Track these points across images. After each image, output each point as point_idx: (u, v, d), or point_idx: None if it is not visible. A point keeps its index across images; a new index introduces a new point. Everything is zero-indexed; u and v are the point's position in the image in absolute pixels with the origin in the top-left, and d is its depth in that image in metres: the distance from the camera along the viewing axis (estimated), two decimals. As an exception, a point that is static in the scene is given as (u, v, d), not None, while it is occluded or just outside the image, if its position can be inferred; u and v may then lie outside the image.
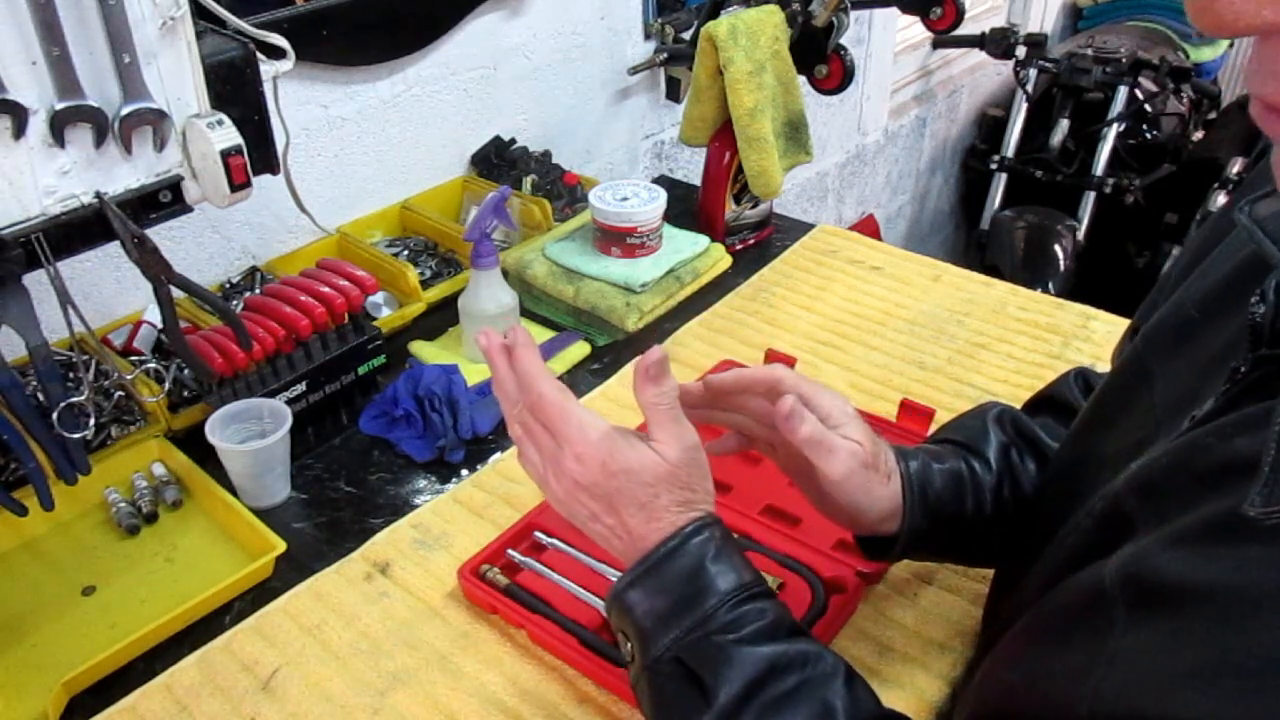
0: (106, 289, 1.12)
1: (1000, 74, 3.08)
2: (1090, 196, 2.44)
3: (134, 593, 0.86)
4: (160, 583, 0.87)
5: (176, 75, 0.75)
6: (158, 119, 0.74)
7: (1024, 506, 0.73)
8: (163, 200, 0.78)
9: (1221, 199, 2.48)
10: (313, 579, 0.86)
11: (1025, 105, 2.51)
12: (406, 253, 1.31)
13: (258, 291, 1.15)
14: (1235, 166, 2.51)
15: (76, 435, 0.77)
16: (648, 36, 1.66)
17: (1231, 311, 0.53)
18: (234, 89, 0.80)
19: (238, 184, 0.79)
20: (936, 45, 2.67)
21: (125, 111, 0.72)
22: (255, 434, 0.94)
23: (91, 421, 0.81)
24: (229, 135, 0.77)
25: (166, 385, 0.95)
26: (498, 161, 1.44)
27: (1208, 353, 0.53)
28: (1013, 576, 0.65)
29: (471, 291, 1.12)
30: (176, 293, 0.80)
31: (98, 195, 0.74)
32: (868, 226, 2.68)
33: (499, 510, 0.93)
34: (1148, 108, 2.59)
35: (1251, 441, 0.42)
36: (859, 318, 1.23)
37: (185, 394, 1.04)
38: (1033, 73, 2.44)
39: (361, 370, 1.06)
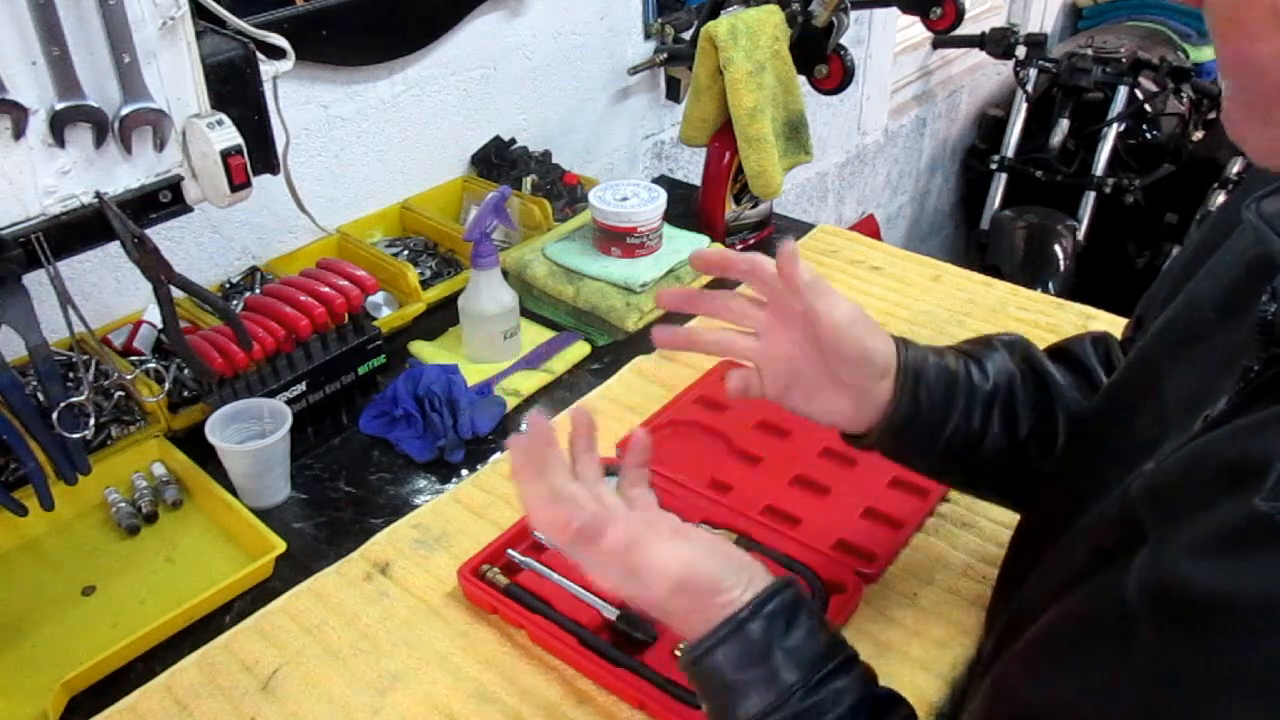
0: (106, 289, 1.12)
1: (1000, 74, 3.08)
2: (1090, 196, 2.44)
3: (134, 593, 0.86)
4: (160, 583, 0.87)
5: (176, 75, 0.75)
6: (158, 119, 0.74)
7: (1014, 438, 0.71)
8: (163, 200, 0.78)
9: (1221, 199, 2.48)
10: (313, 579, 0.86)
11: (1025, 105, 2.51)
12: (406, 253, 1.31)
13: (258, 291, 1.15)
14: (1235, 166, 2.51)
15: (76, 435, 0.77)
16: (648, 36, 1.66)
17: (1243, 310, 0.52)
18: (234, 89, 0.80)
19: (238, 184, 0.79)
20: (936, 45, 2.67)
21: (125, 111, 0.72)
22: (255, 434, 0.94)
23: (91, 421, 0.81)
24: (229, 135, 0.77)
25: (166, 385, 0.96)
26: (498, 161, 1.44)
27: (1219, 352, 0.53)
28: (1017, 573, 0.65)
29: (471, 291, 1.12)
30: (176, 293, 0.80)
31: (98, 195, 0.74)
32: (868, 226, 2.67)
33: (499, 510, 0.93)
34: (1148, 108, 2.58)
35: (1263, 443, 0.42)
36: (859, 318, 1.23)
37: (185, 394, 1.04)
38: (1033, 73, 2.43)
39: (361, 370, 1.06)
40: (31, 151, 0.70)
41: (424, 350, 1.17)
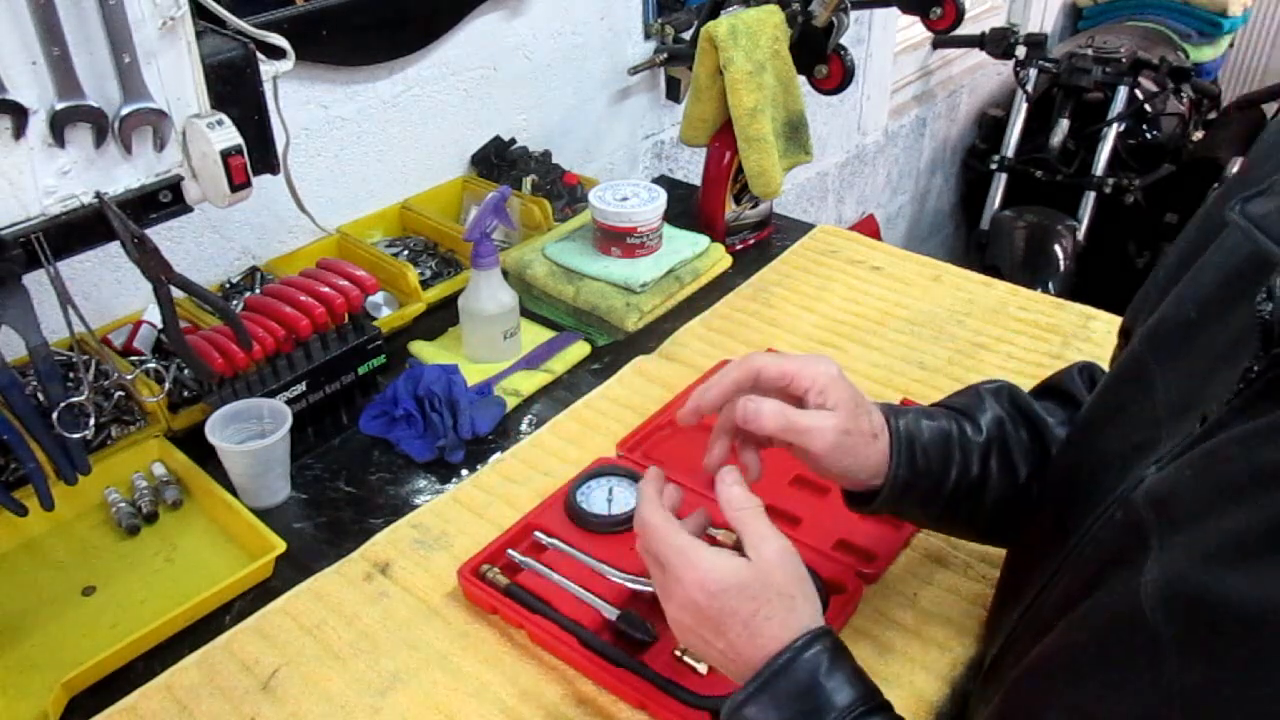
0: (106, 289, 1.12)
1: (1000, 74, 3.08)
2: (1090, 196, 2.44)
3: (134, 593, 0.86)
4: (160, 583, 0.87)
5: (176, 75, 0.75)
6: (158, 119, 0.74)
7: (1014, 482, 0.72)
8: (163, 200, 0.78)
9: (1220, 200, 2.47)
10: (313, 579, 0.86)
11: (1025, 105, 2.51)
12: (406, 253, 1.31)
13: (258, 291, 1.15)
14: (1235, 166, 2.51)
15: (76, 435, 0.77)
16: (648, 36, 1.66)
17: (1232, 311, 0.52)
18: (234, 89, 0.80)
19: (238, 184, 0.79)
20: (936, 45, 2.67)
21: (125, 111, 0.72)
22: (255, 434, 0.94)
23: (91, 421, 0.81)
24: (229, 135, 0.77)
25: (166, 385, 0.95)
26: (498, 161, 1.44)
27: (1210, 352, 0.53)
28: (1018, 582, 0.65)
29: (471, 291, 1.12)
30: (176, 293, 0.80)
31: (98, 195, 0.74)
32: (868, 226, 2.68)
33: (499, 510, 0.93)
34: (1148, 108, 2.59)
35: (1277, 449, 0.42)
36: (859, 318, 1.23)
37: (185, 394, 1.04)
38: (1033, 73, 2.44)
39: (361, 370, 1.06)
40: (31, 151, 0.70)
41: (424, 350, 1.17)
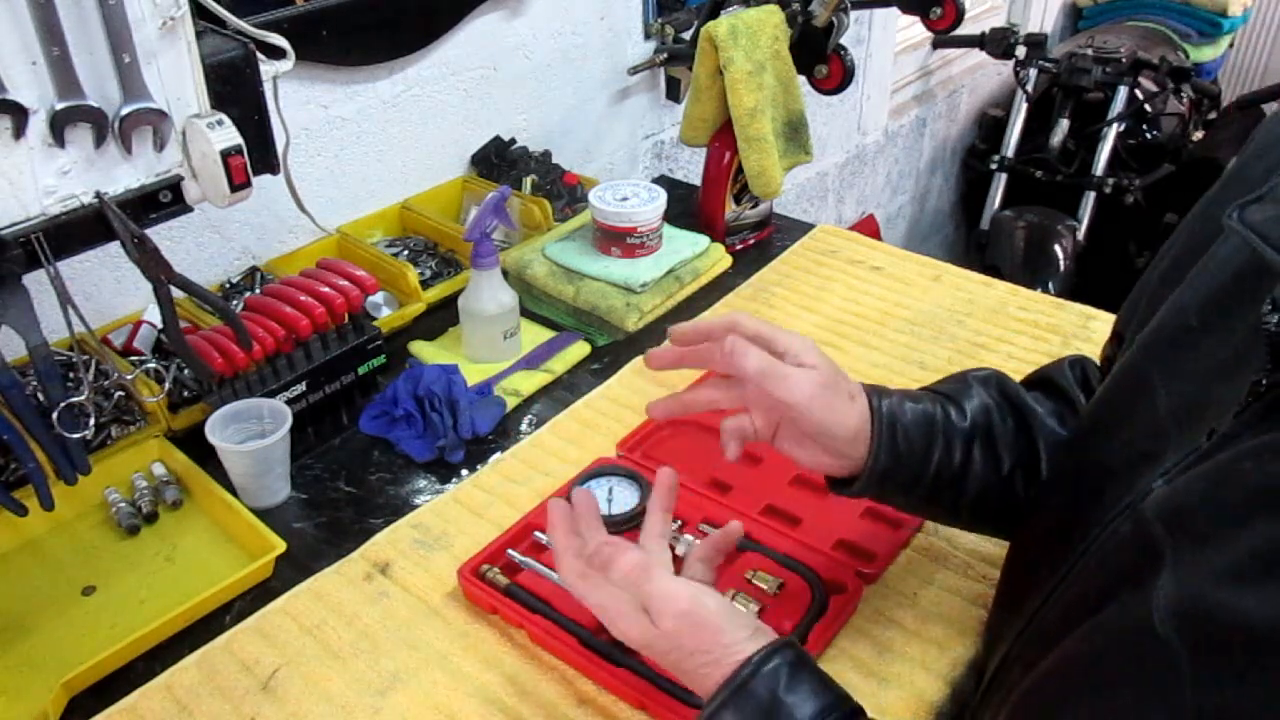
0: (106, 289, 1.12)
1: (1000, 74, 3.08)
2: (1090, 196, 2.44)
3: (134, 593, 0.86)
4: (160, 583, 0.87)
5: (176, 75, 0.75)
6: (158, 119, 0.74)
7: (997, 470, 0.72)
8: (163, 200, 0.78)
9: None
10: (313, 579, 0.86)
11: (1025, 105, 2.51)
12: (406, 253, 1.31)
13: (258, 291, 1.15)
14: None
15: (76, 435, 0.77)
16: (648, 36, 1.66)
17: (1233, 319, 0.52)
18: (234, 89, 0.80)
19: (238, 184, 0.79)
20: (936, 45, 2.67)
21: (125, 111, 0.72)
22: (255, 434, 0.94)
23: (91, 421, 0.81)
24: (229, 135, 0.77)
25: (166, 385, 0.95)
26: (498, 161, 1.44)
27: (1212, 361, 0.53)
28: (1018, 592, 0.64)
29: (471, 291, 1.12)
30: (176, 293, 0.80)
31: (98, 195, 0.74)
32: (868, 226, 2.68)
33: (499, 510, 0.93)
34: (1148, 108, 2.59)
35: None
36: (859, 318, 1.23)
37: (185, 394, 1.04)
38: (1033, 73, 2.44)
39: (361, 370, 1.06)
40: (31, 151, 0.70)
41: (424, 350, 1.17)
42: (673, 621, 0.60)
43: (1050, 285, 2.32)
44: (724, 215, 1.39)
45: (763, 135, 1.30)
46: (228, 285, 1.20)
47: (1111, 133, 2.44)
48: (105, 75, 0.71)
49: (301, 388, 1.00)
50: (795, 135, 1.39)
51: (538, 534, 0.87)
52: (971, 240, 2.65)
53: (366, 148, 1.32)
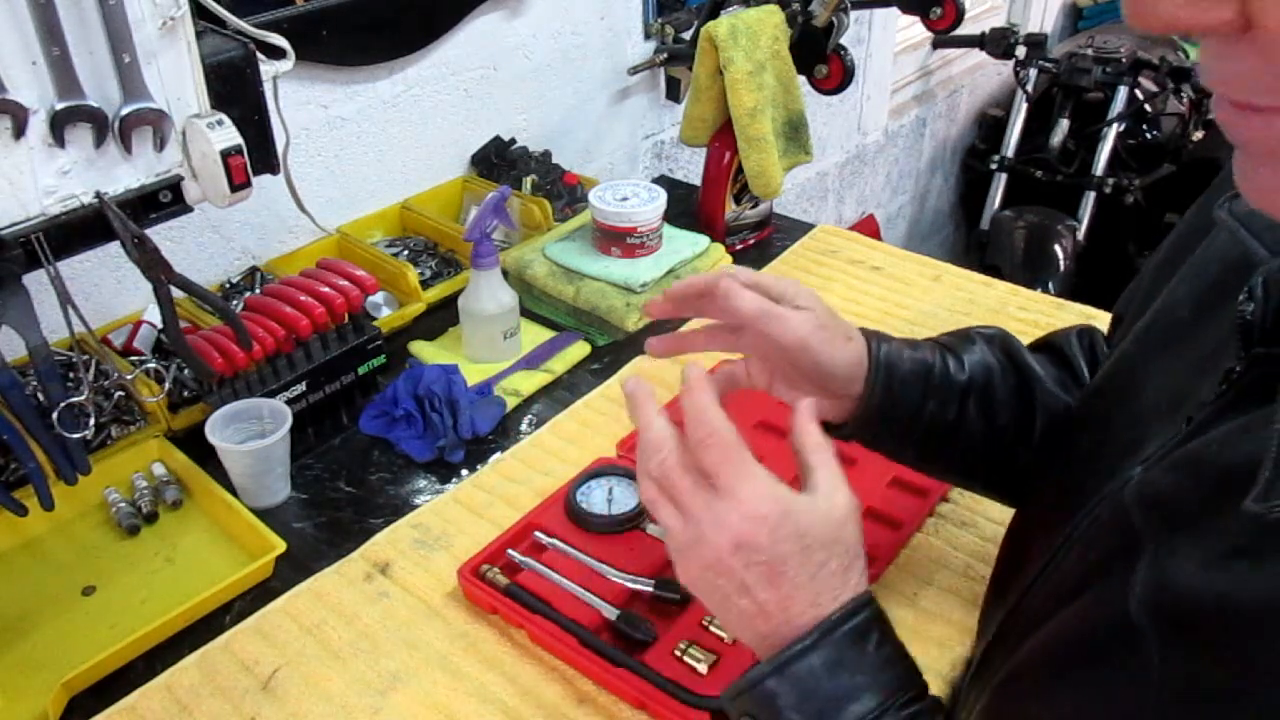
0: (106, 289, 1.12)
1: (1000, 74, 3.08)
2: (1090, 196, 2.44)
3: (134, 593, 0.86)
4: (160, 583, 0.87)
5: (176, 75, 0.75)
6: (158, 119, 0.74)
7: (992, 427, 0.71)
8: (163, 200, 0.78)
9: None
10: (313, 579, 0.86)
11: (1025, 105, 2.51)
12: (406, 253, 1.31)
13: (258, 291, 1.15)
14: (1235, 166, 2.51)
15: (76, 435, 0.77)
16: (648, 36, 1.66)
17: (1221, 310, 0.52)
18: (234, 89, 0.80)
19: (238, 184, 0.79)
20: (936, 45, 2.67)
21: (125, 111, 0.72)
22: (255, 434, 0.94)
23: (91, 421, 0.81)
24: (229, 135, 0.77)
25: (166, 385, 0.95)
26: (498, 161, 1.44)
27: (1198, 352, 0.53)
28: (1011, 574, 0.65)
29: (471, 291, 1.12)
30: (176, 293, 0.80)
31: (98, 195, 0.74)
32: (868, 226, 2.67)
33: (499, 510, 0.93)
34: (1148, 108, 2.59)
35: (1253, 446, 0.42)
36: (859, 318, 1.23)
37: (185, 394, 1.04)
38: (1033, 73, 2.44)
39: (361, 370, 1.06)
40: (31, 151, 0.70)
41: (424, 350, 1.17)
42: (847, 505, 0.55)
43: (1050, 285, 2.32)
44: (724, 215, 1.39)
45: (763, 135, 1.30)
46: (228, 285, 1.20)
47: (1111, 133, 2.44)
48: (105, 75, 0.71)
49: (301, 388, 1.00)
50: (795, 135, 1.39)
51: (538, 534, 0.87)
52: (971, 240, 2.65)
53: (366, 148, 1.32)
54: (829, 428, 0.72)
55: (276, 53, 0.90)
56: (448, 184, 1.42)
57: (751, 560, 0.53)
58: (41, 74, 0.68)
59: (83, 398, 0.78)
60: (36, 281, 0.73)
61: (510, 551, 0.85)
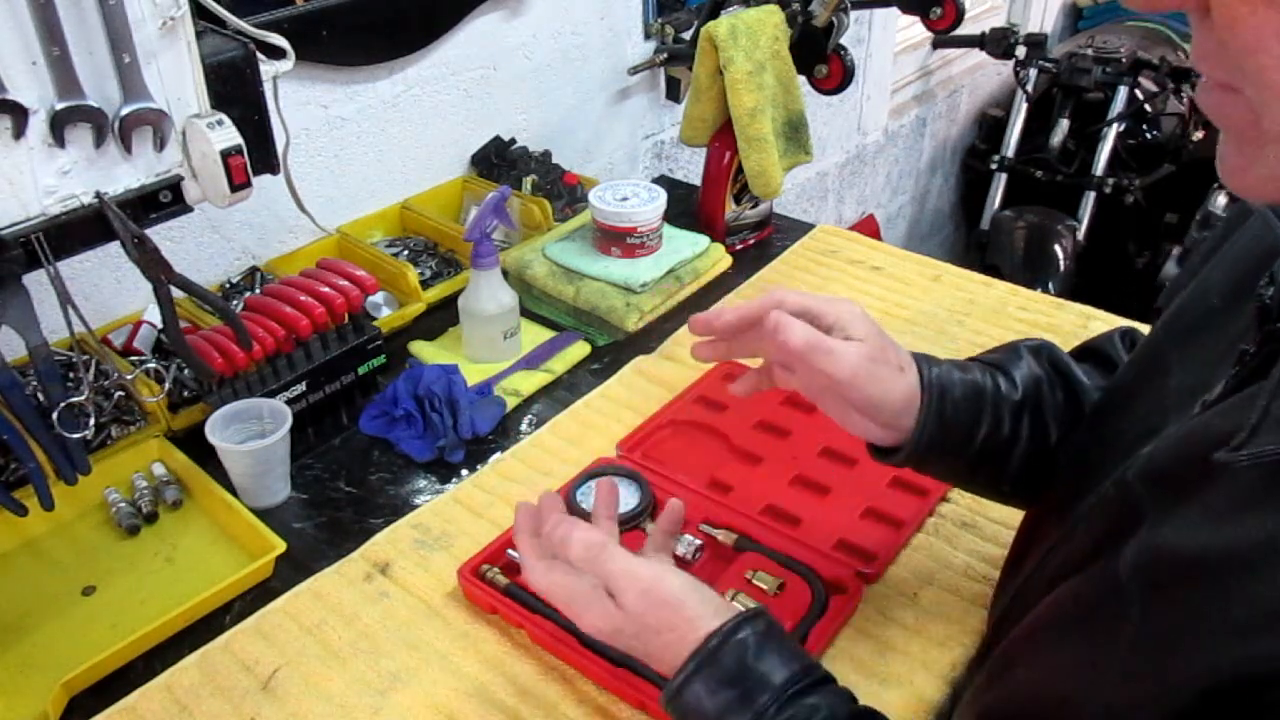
0: (106, 289, 1.12)
1: (1000, 74, 3.08)
2: (1090, 196, 2.44)
3: (134, 593, 0.86)
4: (160, 583, 0.87)
5: (176, 75, 0.75)
6: (158, 119, 0.74)
7: (1045, 443, 0.71)
8: (163, 200, 0.78)
9: (1222, 199, 2.47)
10: (313, 579, 0.86)
11: (1025, 105, 2.51)
12: (406, 253, 1.31)
13: (258, 291, 1.15)
14: (1235, 167, 2.50)
15: (76, 435, 0.77)
16: (648, 36, 1.66)
17: (1248, 299, 0.53)
18: (234, 89, 0.80)
19: (238, 184, 0.79)
20: (936, 45, 2.67)
21: (125, 111, 0.72)
22: (255, 434, 0.94)
23: (91, 421, 0.81)
24: (229, 135, 0.77)
25: (166, 385, 0.95)
26: (498, 161, 1.44)
27: (1223, 340, 0.53)
28: (1022, 556, 0.65)
29: (471, 291, 1.12)
30: (176, 293, 0.80)
31: (98, 195, 0.74)
32: (868, 226, 2.68)
33: (499, 510, 0.93)
34: (1148, 108, 2.59)
35: (1245, 413, 0.42)
36: (859, 318, 1.23)
37: (185, 394, 1.04)
38: (1033, 73, 2.44)
39: (361, 370, 1.06)
40: (31, 151, 0.70)
41: (424, 350, 1.17)
42: (635, 598, 0.61)
43: (1050, 285, 2.32)
44: (724, 215, 1.39)
45: (763, 135, 1.30)
46: (228, 285, 1.20)
47: (1111, 133, 2.44)
48: (105, 75, 0.71)
49: (301, 388, 1.00)
50: (795, 135, 1.39)
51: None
52: (971, 240, 2.65)
53: (366, 148, 1.32)
54: (880, 453, 0.72)
55: (276, 53, 0.90)
56: (448, 184, 1.42)
57: (622, 648, 0.64)
58: (41, 74, 0.68)
59: (83, 398, 0.78)
60: (36, 281, 0.73)
61: (510, 551, 0.85)
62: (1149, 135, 2.66)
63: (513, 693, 0.76)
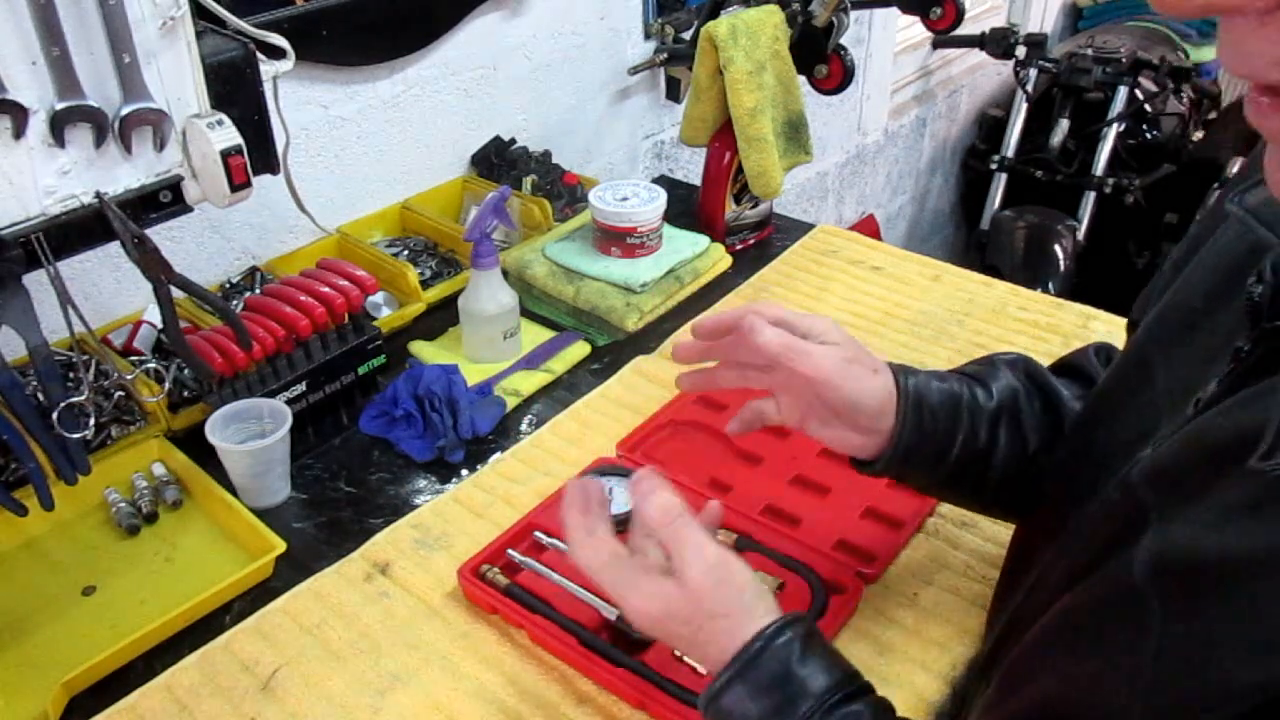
0: (106, 289, 1.12)
1: (1000, 74, 3.08)
2: (1090, 196, 2.44)
3: (134, 593, 0.86)
4: (160, 583, 0.87)
5: (176, 75, 0.75)
6: (158, 119, 0.74)
7: (1023, 452, 0.72)
8: (163, 200, 0.78)
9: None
10: (313, 579, 0.86)
11: (1025, 105, 2.51)
12: (406, 253, 1.31)
13: (258, 291, 1.15)
14: (1235, 166, 2.51)
15: (76, 435, 0.77)
16: (648, 36, 1.66)
17: (1231, 300, 0.53)
18: (234, 89, 0.80)
19: (238, 184, 0.79)
20: (936, 45, 2.67)
21: (125, 111, 0.72)
22: (255, 434, 0.94)
23: (91, 421, 0.81)
24: (229, 135, 0.77)
25: (166, 385, 0.95)
26: (498, 161, 1.44)
27: (1210, 341, 0.54)
28: (1017, 575, 0.65)
29: (471, 291, 1.12)
30: (176, 293, 0.80)
31: (98, 195, 0.74)
32: (868, 226, 2.68)
33: (499, 510, 0.93)
34: (1148, 108, 2.59)
35: (1256, 412, 0.42)
36: (859, 318, 1.23)
37: (185, 394, 1.04)
38: (1033, 73, 2.44)
39: (361, 370, 1.06)
40: (31, 151, 0.70)
41: (424, 350, 1.17)
42: (702, 574, 0.58)
43: (1050, 285, 2.32)
44: (724, 215, 1.39)
45: (763, 135, 1.30)
46: (228, 285, 1.20)
47: (1111, 133, 2.44)
48: (105, 75, 0.71)
49: (301, 388, 1.00)
50: (795, 135, 1.39)
51: (538, 534, 0.87)
52: (971, 240, 2.65)
53: (366, 148, 1.32)
54: (861, 465, 0.72)
55: (276, 53, 0.90)
56: (448, 184, 1.42)
57: (664, 634, 0.62)
58: (41, 74, 0.68)
59: (83, 398, 0.78)
60: (36, 281, 0.73)
61: (510, 551, 0.85)
62: (1149, 135, 2.66)
63: (513, 693, 0.76)
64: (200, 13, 0.81)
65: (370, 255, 1.24)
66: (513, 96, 1.48)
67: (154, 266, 0.77)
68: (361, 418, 1.04)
